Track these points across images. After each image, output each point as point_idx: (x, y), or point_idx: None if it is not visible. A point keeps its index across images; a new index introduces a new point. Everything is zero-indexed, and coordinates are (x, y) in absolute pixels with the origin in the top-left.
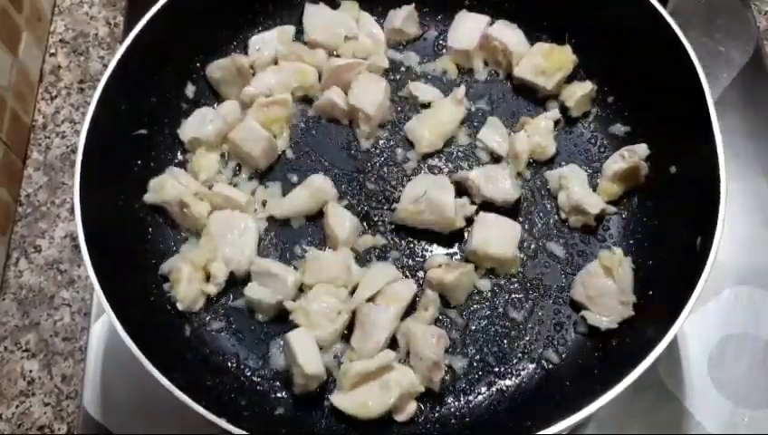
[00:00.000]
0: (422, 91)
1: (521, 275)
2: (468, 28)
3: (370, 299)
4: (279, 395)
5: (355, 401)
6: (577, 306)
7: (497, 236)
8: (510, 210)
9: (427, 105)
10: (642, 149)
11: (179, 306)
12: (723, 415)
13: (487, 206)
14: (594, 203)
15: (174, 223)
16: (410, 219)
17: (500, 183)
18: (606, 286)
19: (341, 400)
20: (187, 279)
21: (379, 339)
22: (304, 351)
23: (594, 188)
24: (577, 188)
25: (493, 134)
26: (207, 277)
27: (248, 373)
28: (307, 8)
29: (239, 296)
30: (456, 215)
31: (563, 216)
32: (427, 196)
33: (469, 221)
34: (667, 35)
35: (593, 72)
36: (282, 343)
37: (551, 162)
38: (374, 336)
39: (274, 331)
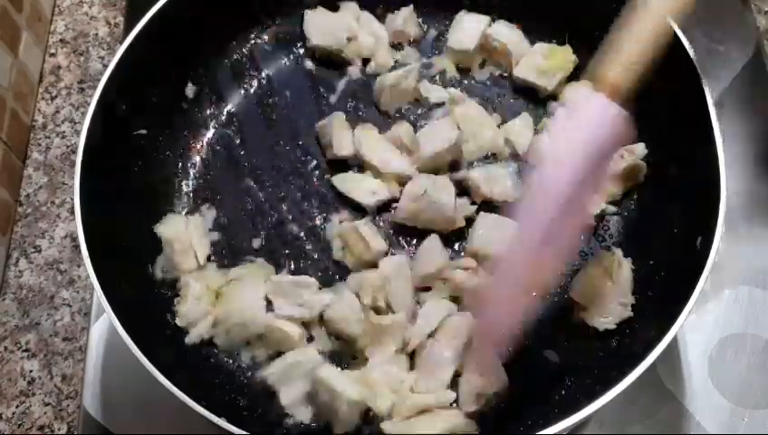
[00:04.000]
0: (432, 92)
1: None
2: (468, 28)
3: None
4: None
5: (405, 428)
6: (576, 306)
7: (497, 237)
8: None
9: (440, 105)
10: (641, 148)
11: (178, 322)
12: (723, 415)
13: (487, 206)
14: (594, 203)
15: None
16: (410, 219)
17: (500, 183)
18: (605, 287)
19: (393, 427)
20: (195, 297)
21: (443, 378)
22: (339, 379)
23: None
24: None
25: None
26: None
27: (248, 373)
28: (307, 14)
29: None
30: (456, 215)
31: None
32: (427, 195)
33: (469, 221)
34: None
35: None
36: None
37: None
38: (437, 375)
39: None
